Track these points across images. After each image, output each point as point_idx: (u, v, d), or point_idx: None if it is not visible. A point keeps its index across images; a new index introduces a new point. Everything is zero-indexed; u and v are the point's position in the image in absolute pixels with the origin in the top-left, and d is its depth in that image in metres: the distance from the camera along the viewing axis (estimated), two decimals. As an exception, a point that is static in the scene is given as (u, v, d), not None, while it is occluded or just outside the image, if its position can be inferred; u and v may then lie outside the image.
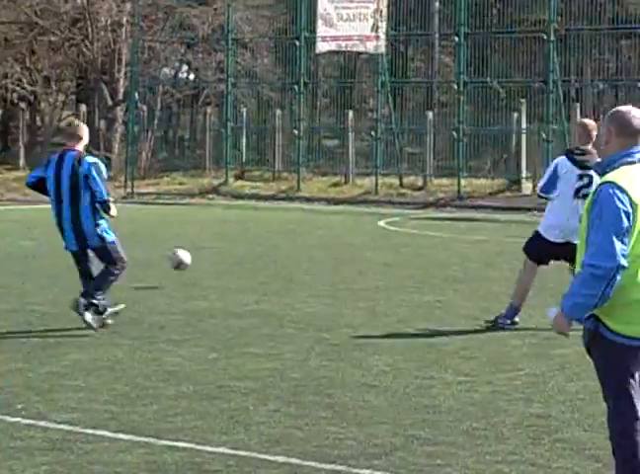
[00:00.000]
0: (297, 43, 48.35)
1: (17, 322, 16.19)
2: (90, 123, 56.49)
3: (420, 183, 45.60)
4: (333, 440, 9.96)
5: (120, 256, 15.82)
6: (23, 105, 60.34)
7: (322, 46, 47.72)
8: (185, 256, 20.18)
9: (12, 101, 62.34)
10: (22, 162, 56.65)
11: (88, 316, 14.97)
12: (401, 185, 45.95)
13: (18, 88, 58.96)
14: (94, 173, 15.52)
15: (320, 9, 46.28)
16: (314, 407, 11.20)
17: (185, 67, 62.45)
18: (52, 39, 57.13)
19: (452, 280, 21.47)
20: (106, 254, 15.65)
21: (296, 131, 48.73)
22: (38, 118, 63.57)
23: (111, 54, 55.84)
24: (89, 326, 14.93)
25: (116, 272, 15.71)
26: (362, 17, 45.29)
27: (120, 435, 10.09)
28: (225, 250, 25.99)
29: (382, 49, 45.90)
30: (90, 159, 15.72)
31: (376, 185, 44.96)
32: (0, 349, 14.21)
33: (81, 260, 15.74)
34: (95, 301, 15.10)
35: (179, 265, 20.14)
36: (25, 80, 58.14)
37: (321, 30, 46.72)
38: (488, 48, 48.06)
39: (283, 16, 52.08)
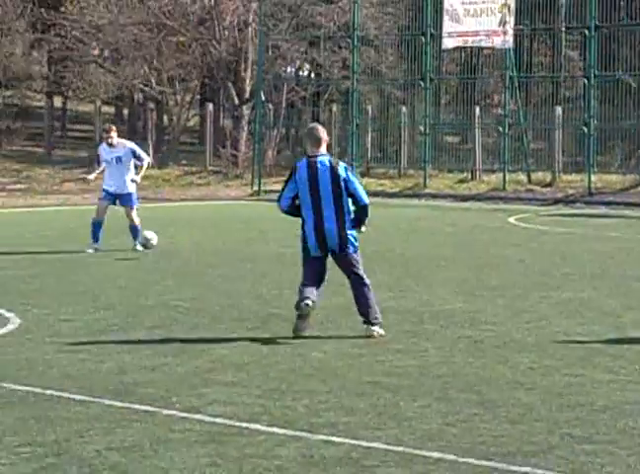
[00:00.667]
0: (423, 40, 48.39)
1: (161, 317, 16.35)
2: (216, 122, 57.29)
3: (548, 179, 45.48)
4: (487, 437, 9.83)
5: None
6: (151, 104, 60.94)
7: (448, 42, 47.69)
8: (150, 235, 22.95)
9: (139, 101, 63.04)
10: (151, 160, 57.22)
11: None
12: (529, 181, 45.88)
13: (146, 88, 59.53)
14: (352, 177, 15.29)
15: (446, 5, 46.26)
16: (465, 404, 11.10)
17: (308, 65, 62.52)
18: (180, 39, 57.61)
19: (590, 277, 21.32)
20: (353, 260, 15.26)
21: (422, 128, 48.77)
22: (165, 118, 64.18)
23: (237, 53, 56.19)
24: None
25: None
26: (490, 12, 45.19)
27: (275, 429, 10.09)
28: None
29: (510, 44, 45.76)
30: (342, 163, 15.46)
31: (504, 181, 44.88)
32: (151, 343, 14.33)
33: (323, 265, 15.35)
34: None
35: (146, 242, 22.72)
36: (153, 80, 58.68)
37: (447, 25, 46.69)
38: (617, 41, 47.73)
39: (408, 12, 51.95)
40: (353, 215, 15.12)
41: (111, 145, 25.13)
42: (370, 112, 52.76)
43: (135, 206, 25.41)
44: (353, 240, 15.13)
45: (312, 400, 11.25)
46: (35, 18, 61.63)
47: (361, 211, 15.34)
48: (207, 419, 10.46)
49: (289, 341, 14.55)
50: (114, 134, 25.51)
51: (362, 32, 51.81)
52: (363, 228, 15.48)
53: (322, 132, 15.41)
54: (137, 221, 25.02)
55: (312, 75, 63.27)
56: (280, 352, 13.84)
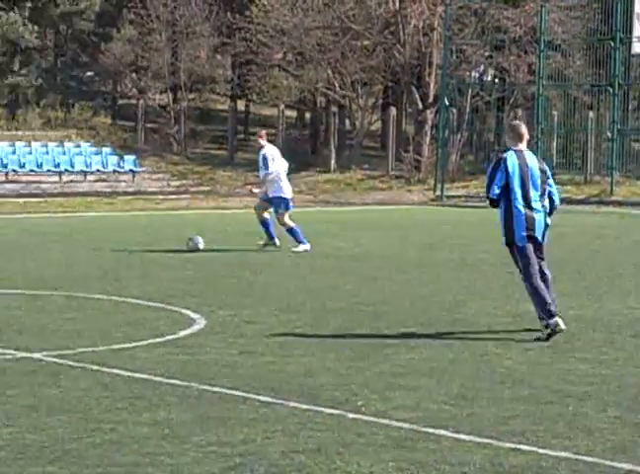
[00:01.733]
0: (612, 44, 47.92)
1: (345, 320, 16.40)
2: (399, 126, 57.38)
3: None
4: (685, 454, 9.60)
5: None
6: (334, 108, 61.24)
7: (638, 47, 47.20)
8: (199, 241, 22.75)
9: (322, 105, 63.39)
10: (333, 164, 57.57)
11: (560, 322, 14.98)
12: None
13: (329, 92, 59.83)
14: (549, 171, 15.70)
15: (637, 8, 45.77)
16: (658, 416, 10.88)
17: (492, 70, 62.33)
18: (364, 43, 57.79)
19: None
20: (544, 251, 15.60)
21: (609, 134, 48.31)
22: (347, 122, 64.44)
23: (421, 57, 56.24)
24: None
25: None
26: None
27: (461, 436, 9.96)
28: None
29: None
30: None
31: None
32: (336, 346, 14.34)
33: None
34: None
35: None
36: (336, 84, 58.94)
37: (637, 30, 46.19)
38: None
39: (597, 16, 51.48)
40: None
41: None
42: (556, 117, 52.40)
43: (281, 210, 25.71)
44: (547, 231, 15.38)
45: (500, 407, 11.13)
46: (220, 22, 62.35)
47: (551, 210, 15.60)
48: (394, 423, 10.38)
49: (475, 347, 14.46)
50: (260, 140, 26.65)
51: (550, 36, 51.56)
52: None
53: (524, 129, 15.73)
54: (289, 224, 25.55)
55: (496, 80, 63.02)
56: (466, 358, 13.74)
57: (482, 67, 59.92)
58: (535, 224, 15.18)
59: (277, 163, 25.94)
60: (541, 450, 9.60)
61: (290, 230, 25.48)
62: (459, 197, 47.49)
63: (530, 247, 15.18)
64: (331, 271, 22.67)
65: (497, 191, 15.23)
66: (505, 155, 15.38)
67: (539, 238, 15.29)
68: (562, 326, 14.71)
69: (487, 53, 56.63)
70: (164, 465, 9.01)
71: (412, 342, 14.72)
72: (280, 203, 25.61)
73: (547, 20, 51.39)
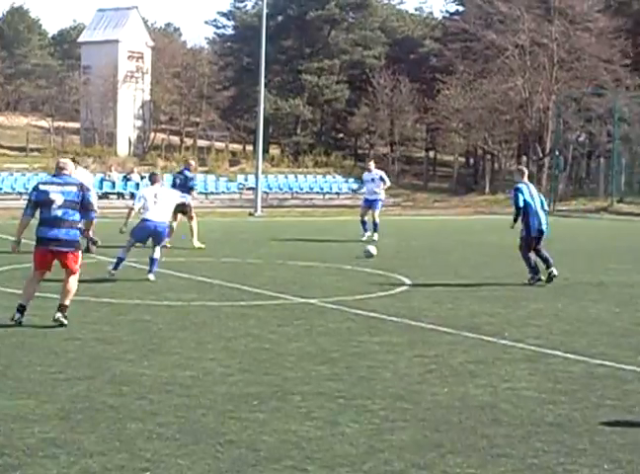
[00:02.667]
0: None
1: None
2: (529, 168, 56.81)
3: None
4: None
5: None
6: (487, 156, 60.79)
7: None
8: (372, 249, 19.19)
9: (480, 154, 62.96)
10: (487, 190, 57.52)
11: None
12: None
13: (485, 146, 59.45)
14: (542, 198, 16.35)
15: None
16: None
17: (584, 134, 60.90)
18: (506, 117, 57.25)
19: None
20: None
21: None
22: (495, 165, 63.95)
23: (541, 126, 55.43)
24: None
25: None
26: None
27: (568, 355, 9.67)
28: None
29: None
30: None
31: None
32: (492, 299, 13.78)
33: None
34: None
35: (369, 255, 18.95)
36: (489, 142, 58.54)
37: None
38: None
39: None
40: None
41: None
42: (623, 162, 51.06)
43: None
44: None
45: (590, 338, 10.82)
46: (419, 105, 62.46)
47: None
48: (526, 346, 10.23)
49: (576, 301, 14.00)
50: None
51: (620, 113, 50.35)
52: None
53: (526, 170, 16.98)
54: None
55: (587, 140, 61.55)
56: (570, 308, 13.32)
57: (578, 132, 58.57)
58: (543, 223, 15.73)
59: None
60: (617, 365, 9.41)
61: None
62: (564, 210, 46.41)
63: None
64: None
65: (521, 204, 15.67)
66: (519, 186, 15.91)
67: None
68: None
69: (582, 124, 55.41)
70: (389, 368, 9.14)
71: (537, 297, 14.28)
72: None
73: (619, 104, 50.12)
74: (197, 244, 20.95)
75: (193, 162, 23.20)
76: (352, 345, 10.06)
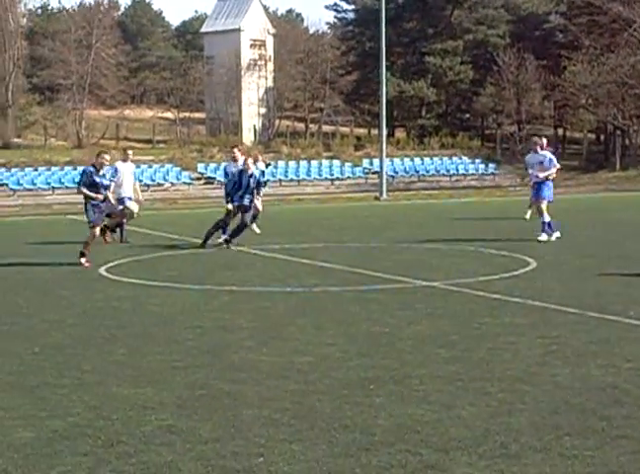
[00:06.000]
0: None
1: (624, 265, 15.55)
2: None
3: None
4: None
5: None
6: (618, 132, 59.24)
7: None
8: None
9: (610, 130, 61.37)
10: (617, 166, 56.07)
11: None
12: None
13: (615, 122, 57.90)
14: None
15: None
16: None
17: None
18: (636, 91, 55.59)
19: None
20: None
21: None
22: (626, 141, 62.18)
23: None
24: None
25: None
26: None
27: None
28: None
29: None
30: None
31: None
32: (620, 277, 13.56)
33: None
34: None
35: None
36: (619, 117, 56.97)
37: None
38: None
39: None
40: None
41: None
42: None
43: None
44: None
45: None
46: (546, 81, 61.31)
47: None
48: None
49: None
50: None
51: None
52: None
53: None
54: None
55: None
56: None
57: None
58: None
59: None
60: None
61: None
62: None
63: None
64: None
65: None
66: None
67: None
68: None
69: None
70: (510, 350, 9.00)
71: None
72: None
73: None
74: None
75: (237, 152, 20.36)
76: (472, 327, 9.97)
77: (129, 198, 19.90)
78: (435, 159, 56.80)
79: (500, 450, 5.92)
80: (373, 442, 6.10)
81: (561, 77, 57.90)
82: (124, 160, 20.42)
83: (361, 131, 69.68)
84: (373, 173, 50.26)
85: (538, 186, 20.03)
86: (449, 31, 68.35)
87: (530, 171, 20.24)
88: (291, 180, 49.69)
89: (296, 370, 8.09)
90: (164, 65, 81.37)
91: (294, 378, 7.81)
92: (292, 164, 51.91)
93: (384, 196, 38.98)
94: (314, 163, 52.68)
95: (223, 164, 22.22)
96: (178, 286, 11.42)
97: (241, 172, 18.33)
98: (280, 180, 48.49)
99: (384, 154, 41.18)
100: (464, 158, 57.67)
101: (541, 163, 20.05)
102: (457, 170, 55.38)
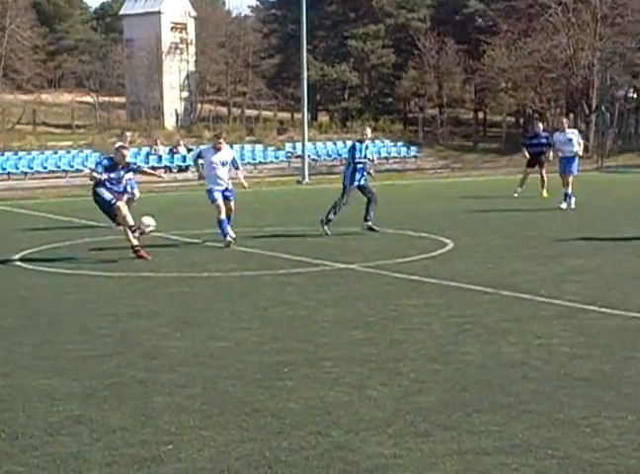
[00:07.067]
0: None
1: (539, 246, 15.73)
2: (576, 125, 55.92)
3: None
4: None
5: None
6: (536, 115, 60.05)
7: None
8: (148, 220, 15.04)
9: (528, 113, 62.21)
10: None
11: None
12: None
13: (533, 105, 58.67)
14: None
15: None
16: None
17: (632, 89, 59.89)
18: (552, 75, 56.44)
19: None
20: None
21: None
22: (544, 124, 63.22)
23: (587, 83, 54.52)
24: None
25: None
26: None
27: (603, 309, 9.67)
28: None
29: None
30: None
31: None
32: (531, 256, 13.71)
33: None
34: None
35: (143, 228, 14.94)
36: (536, 100, 57.74)
37: None
38: None
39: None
40: None
41: None
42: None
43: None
44: None
45: (628, 291, 10.69)
46: (466, 65, 61.87)
47: None
48: (562, 303, 10.17)
49: (612, 258, 13.80)
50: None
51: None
52: None
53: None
54: None
55: (634, 95, 60.54)
56: (607, 264, 13.13)
57: (626, 87, 57.63)
58: None
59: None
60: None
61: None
62: (612, 166, 45.66)
63: None
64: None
65: None
66: None
67: None
68: None
69: (628, 79, 54.53)
70: (424, 330, 9.08)
71: (576, 254, 14.17)
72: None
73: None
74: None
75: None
76: (388, 308, 10.03)
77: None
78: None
79: (409, 429, 5.97)
80: (284, 426, 6.09)
81: (480, 61, 58.51)
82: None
83: (285, 115, 69.54)
84: (296, 157, 50.20)
85: (568, 160, 22.27)
86: (371, 14, 68.49)
87: (559, 147, 22.68)
88: (214, 164, 49.37)
89: (210, 356, 8.04)
90: (83, 48, 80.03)
91: (208, 364, 7.75)
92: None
93: (306, 179, 38.94)
94: (236, 147, 52.40)
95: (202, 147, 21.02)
96: (93, 274, 11.22)
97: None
98: (202, 165, 48.09)
99: (306, 138, 41.13)
100: (387, 141, 57.92)
101: (570, 140, 22.32)
102: (380, 153, 55.58)
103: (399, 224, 18.91)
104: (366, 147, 18.27)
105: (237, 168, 16.66)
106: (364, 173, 18.06)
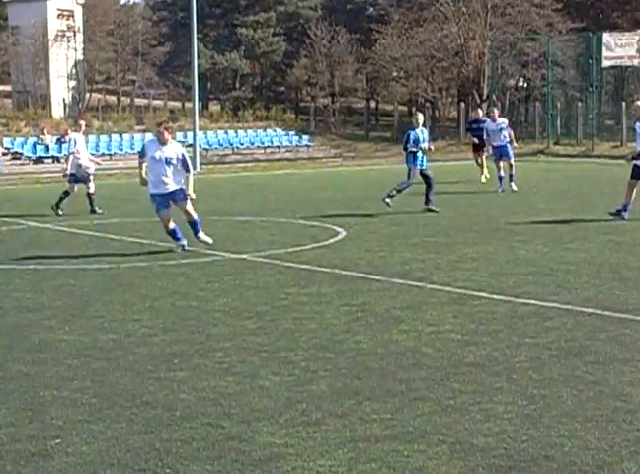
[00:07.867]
0: (590, 62, 46.92)
1: (431, 232, 15.95)
2: (466, 114, 56.71)
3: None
4: None
5: None
6: (427, 104, 60.69)
7: (606, 63, 46.49)
8: None
9: (421, 102, 62.90)
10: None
11: None
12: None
13: (425, 94, 59.37)
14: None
15: (604, 40, 45.04)
16: None
17: (522, 79, 61.05)
18: (444, 64, 57.13)
19: None
20: None
21: (590, 115, 47.30)
22: (435, 112, 63.90)
23: (478, 72, 55.32)
24: None
25: None
26: (630, 45, 44.38)
27: (493, 296, 9.89)
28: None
29: None
30: None
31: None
32: (424, 244, 13.88)
33: None
34: None
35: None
36: (428, 89, 58.45)
37: (605, 53, 45.51)
38: None
39: (582, 45, 49.89)
40: None
41: None
42: (559, 106, 51.29)
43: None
44: None
45: (517, 278, 10.96)
46: (359, 54, 62.31)
47: None
48: (454, 290, 10.35)
49: (504, 244, 14.12)
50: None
51: (554, 57, 50.67)
52: None
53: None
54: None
55: (525, 85, 61.69)
56: (499, 250, 13.41)
57: (516, 77, 58.71)
58: None
59: None
60: (540, 303, 9.55)
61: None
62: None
63: None
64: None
65: None
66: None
67: None
68: None
69: (518, 69, 55.53)
70: (315, 319, 9.13)
71: (469, 241, 14.38)
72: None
73: (552, 48, 50.29)
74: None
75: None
76: (280, 298, 10.04)
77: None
78: (249, 132, 56.69)
79: (301, 418, 5.98)
80: (175, 417, 6.04)
81: (372, 50, 58.85)
82: (77, 131, 21.68)
83: (175, 104, 68.83)
84: (187, 146, 49.72)
85: (502, 148, 23.84)
86: (262, 2, 68.28)
87: (490, 135, 24.13)
88: (103, 154, 48.54)
89: (99, 348, 7.92)
90: (-35, 35, 77.73)
91: (97, 356, 7.64)
92: (104, 138, 50.75)
93: (197, 169, 38.67)
94: (126, 137, 51.67)
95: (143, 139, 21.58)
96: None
97: None
98: (93, 155, 47.32)
99: (197, 127, 40.88)
100: (278, 130, 57.87)
101: (500, 130, 23.86)
102: (272, 142, 55.48)
103: (291, 213, 18.92)
104: (422, 132, 19.03)
105: (187, 171, 14.02)
106: (424, 157, 19.08)
